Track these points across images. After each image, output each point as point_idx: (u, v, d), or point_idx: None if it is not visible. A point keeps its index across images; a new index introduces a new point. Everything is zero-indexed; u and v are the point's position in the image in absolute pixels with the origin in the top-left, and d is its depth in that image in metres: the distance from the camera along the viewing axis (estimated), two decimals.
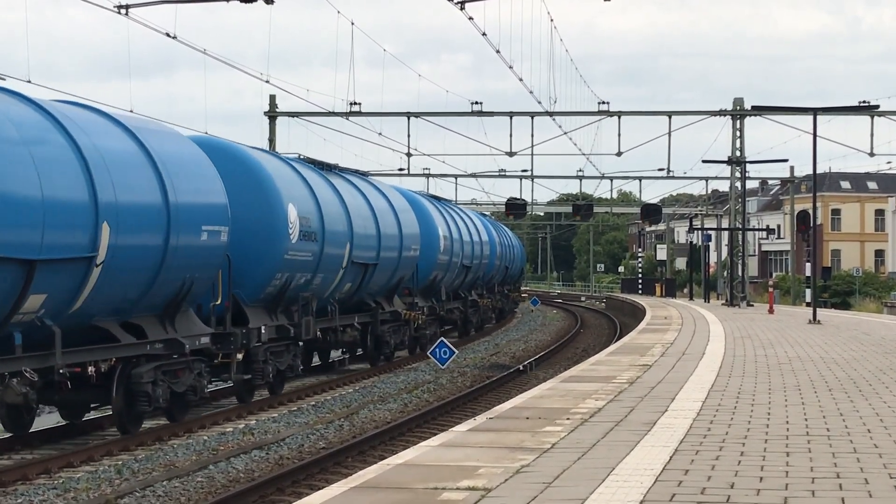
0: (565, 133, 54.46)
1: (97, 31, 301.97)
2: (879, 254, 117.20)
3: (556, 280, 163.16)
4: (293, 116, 52.59)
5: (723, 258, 72.64)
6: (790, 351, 24.11)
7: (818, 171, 39.55)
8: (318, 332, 27.10)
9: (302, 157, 28.09)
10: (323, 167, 29.02)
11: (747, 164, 58.08)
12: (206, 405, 23.40)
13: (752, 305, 57.33)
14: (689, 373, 18.74)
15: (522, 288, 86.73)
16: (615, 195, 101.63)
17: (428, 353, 32.37)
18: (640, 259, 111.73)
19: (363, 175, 33.62)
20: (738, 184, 60.02)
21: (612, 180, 75.08)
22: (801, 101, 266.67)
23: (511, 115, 52.76)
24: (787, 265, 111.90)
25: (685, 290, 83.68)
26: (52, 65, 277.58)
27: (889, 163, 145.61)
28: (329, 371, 31.94)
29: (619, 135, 52.53)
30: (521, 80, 43.21)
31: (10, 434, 18.51)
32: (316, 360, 32.68)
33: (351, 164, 39.92)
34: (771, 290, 55.19)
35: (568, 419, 12.94)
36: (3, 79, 22.99)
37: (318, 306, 26.37)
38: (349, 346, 30.63)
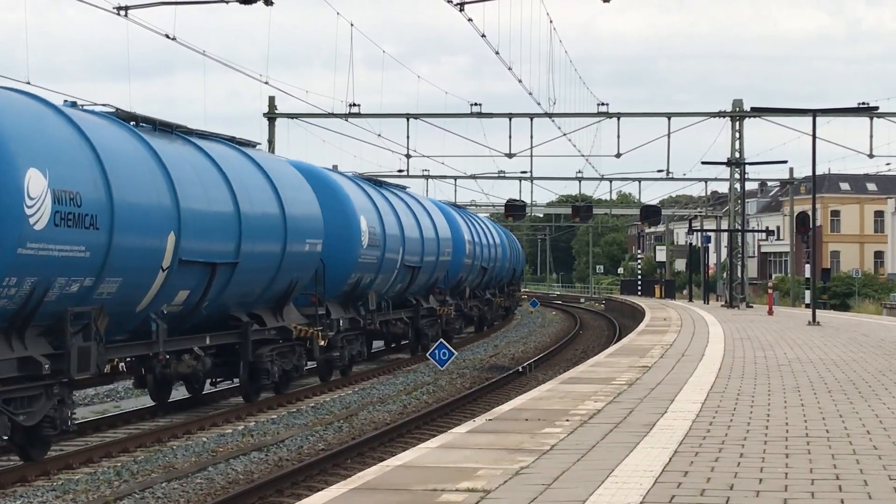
0: (564, 134, 54.49)
1: (97, 31, 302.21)
2: (879, 255, 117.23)
3: (555, 282, 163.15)
4: (292, 118, 52.61)
5: (722, 260, 72.66)
6: (789, 352, 24.11)
7: (817, 173, 39.57)
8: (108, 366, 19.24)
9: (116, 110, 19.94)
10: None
11: (747, 166, 58.14)
12: None
13: (752, 307, 57.34)
14: (688, 374, 18.74)
15: (521, 289, 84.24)
16: (614, 197, 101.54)
17: (427, 355, 32.19)
18: (639, 260, 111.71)
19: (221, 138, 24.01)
20: (738, 185, 60.04)
21: (611, 182, 75.21)
22: (801, 102, 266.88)
23: (510, 116, 52.79)
24: (786, 267, 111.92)
25: (684, 292, 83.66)
26: (51, 65, 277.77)
27: (888, 164, 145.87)
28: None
29: (619, 136, 52.67)
30: (520, 81, 43.25)
31: None
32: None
33: (350, 166, 36.98)
34: (770, 291, 55.19)
35: (567, 421, 12.94)
36: None
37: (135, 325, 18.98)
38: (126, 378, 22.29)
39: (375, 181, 35.99)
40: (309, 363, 26.71)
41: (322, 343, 26.08)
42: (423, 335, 37.04)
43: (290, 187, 24.95)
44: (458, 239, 43.55)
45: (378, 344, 37.70)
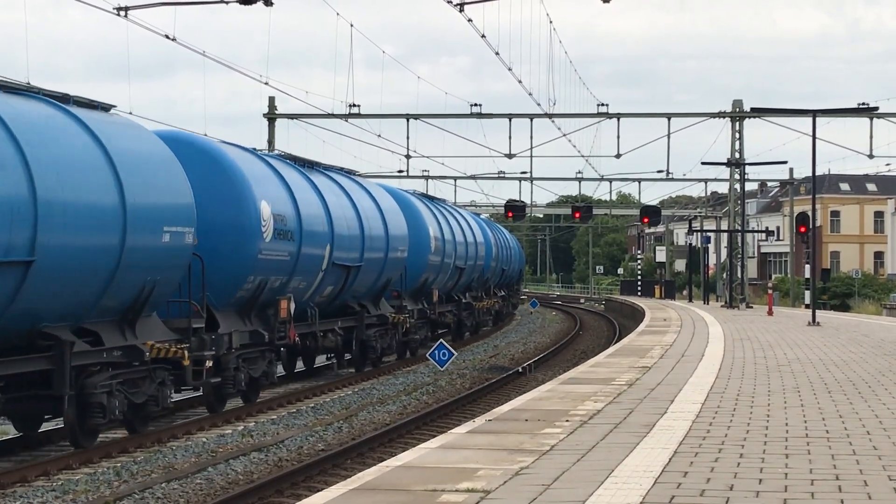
0: (564, 135, 54.47)
1: (97, 32, 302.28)
2: (878, 256, 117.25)
3: (555, 282, 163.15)
4: (292, 118, 52.60)
5: (722, 260, 72.63)
6: (789, 353, 24.11)
7: (817, 173, 39.56)
8: None
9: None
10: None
11: (746, 166, 58.14)
12: None
13: (752, 307, 57.34)
14: (688, 375, 18.74)
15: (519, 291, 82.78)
16: (614, 197, 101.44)
17: (427, 355, 32.20)
18: (639, 261, 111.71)
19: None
20: (738, 186, 60.04)
21: (611, 182, 75.05)
22: (801, 102, 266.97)
23: (510, 117, 52.78)
24: (786, 267, 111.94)
25: (684, 292, 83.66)
26: (51, 65, 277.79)
27: (888, 165, 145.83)
28: None
29: (619, 137, 52.63)
30: (520, 81, 43.25)
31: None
32: None
33: (345, 165, 34.33)
34: (770, 291, 55.19)
35: (567, 421, 12.94)
36: None
37: None
38: None
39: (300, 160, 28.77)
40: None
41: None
42: (370, 347, 31.26)
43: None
44: (419, 233, 37.65)
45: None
